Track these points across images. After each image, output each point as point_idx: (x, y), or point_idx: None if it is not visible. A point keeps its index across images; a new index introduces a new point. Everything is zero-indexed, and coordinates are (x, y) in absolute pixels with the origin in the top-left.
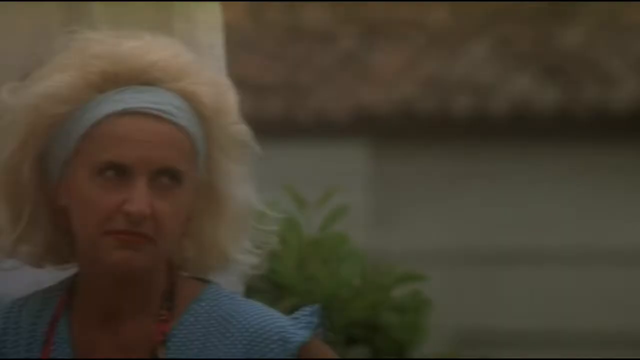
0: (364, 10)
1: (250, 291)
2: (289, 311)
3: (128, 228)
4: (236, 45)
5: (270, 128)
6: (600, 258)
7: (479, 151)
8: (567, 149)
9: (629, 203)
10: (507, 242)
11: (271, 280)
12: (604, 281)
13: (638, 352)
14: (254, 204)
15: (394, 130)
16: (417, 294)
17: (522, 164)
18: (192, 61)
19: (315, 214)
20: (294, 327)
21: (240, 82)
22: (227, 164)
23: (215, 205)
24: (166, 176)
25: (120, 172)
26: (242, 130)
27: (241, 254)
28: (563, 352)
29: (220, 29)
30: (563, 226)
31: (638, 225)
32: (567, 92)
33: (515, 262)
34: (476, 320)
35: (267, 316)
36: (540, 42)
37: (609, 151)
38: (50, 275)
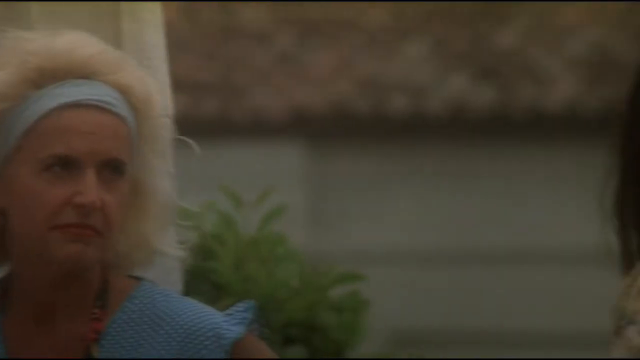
0: (300, 10)
1: (189, 291)
2: None
3: (78, 221)
4: (171, 44)
5: (206, 128)
6: (532, 258)
7: (415, 151)
8: (503, 149)
9: (562, 202)
10: (441, 241)
11: (209, 280)
12: (535, 281)
13: (571, 351)
14: (176, 198)
15: (330, 130)
16: (355, 294)
17: (457, 164)
18: (122, 55)
19: (252, 213)
20: (228, 323)
21: (175, 81)
22: (152, 158)
23: (141, 199)
24: (110, 168)
25: (67, 165)
26: (166, 124)
27: (168, 247)
28: (497, 351)
29: (162, 29)
30: (497, 226)
31: (571, 224)
32: (502, 92)
33: (451, 262)
34: (412, 319)
35: (200, 313)
36: (476, 42)
37: (544, 151)
38: None
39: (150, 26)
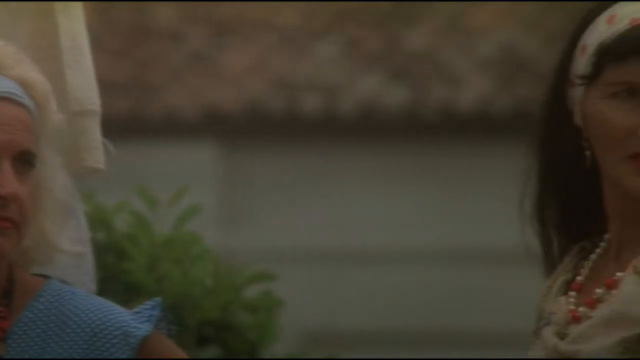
0: (213, 10)
1: (102, 291)
2: None
3: None
4: None
5: (119, 127)
6: (445, 258)
7: (327, 151)
8: (415, 148)
9: (475, 203)
10: (354, 241)
11: (122, 280)
12: (446, 281)
13: (491, 351)
14: (70, 194)
15: (244, 129)
16: (269, 294)
17: (370, 164)
18: (18, 50)
19: (166, 213)
20: (136, 321)
21: None
22: (50, 153)
23: (39, 195)
24: (22, 160)
25: None
26: (61, 120)
27: (66, 244)
28: (412, 351)
29: (84, 27)
30: (410, 226)
31: (483, 225)
32: (414, 92)
33: (363, 262)
34: (326, 319)
35: (108, 311)
36: (388, 43)
37: (456, 150)
38: None
39: (81, 23)
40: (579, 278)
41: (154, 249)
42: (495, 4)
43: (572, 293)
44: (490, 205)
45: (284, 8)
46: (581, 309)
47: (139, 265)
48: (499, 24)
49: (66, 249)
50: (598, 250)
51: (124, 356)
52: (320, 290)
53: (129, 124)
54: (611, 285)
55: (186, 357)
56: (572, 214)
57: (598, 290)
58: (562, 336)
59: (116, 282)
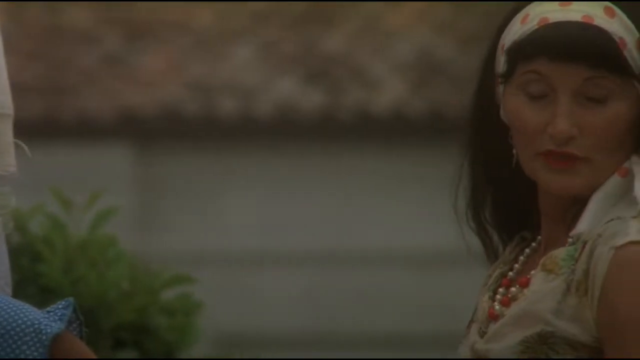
0: (127, 12)
1: (16, 294)
2: None
3: None
4: None
5: (31, 129)
6: (363, 260)
7: (244, 153)
8: (331, 150)
9: (391, 202)
10: (270, 243)
11: (38, 283)
12: (366, 283)
13: (402, 352)
14: None
15: (159, 132)
16: (186, 297)
17: (287, 166)
18: None
19: (81, 216)
20: (48, 319)
21: None
22: None
23: None
24: None
25: None
26: None
27: None
28: (329, 353)
29: None
30: (328, 228)
31: (399, 224)
32: (330, 95)
33: (280, 264)
34: (242, 321)
35: (19, 309)
36: (304, 45)
37: (372, 154)
38: None
39: None
40: (510, 274)
41: (70, 251)
42: (411, 7)
43: (500, 290)
44: (406, 207)
45: (199, 10)
46: (497, 306)
47: (54, 268)
48: (415, 27)
49: None
50: (533, 245)
51: (35, 353)
52: (237, 293)
53: (43, 126)
54: (524, 284)
55: (97, 358)
56: (508, 211)
57: (513, 289)
58: (482, 334)
59: (31, 285)
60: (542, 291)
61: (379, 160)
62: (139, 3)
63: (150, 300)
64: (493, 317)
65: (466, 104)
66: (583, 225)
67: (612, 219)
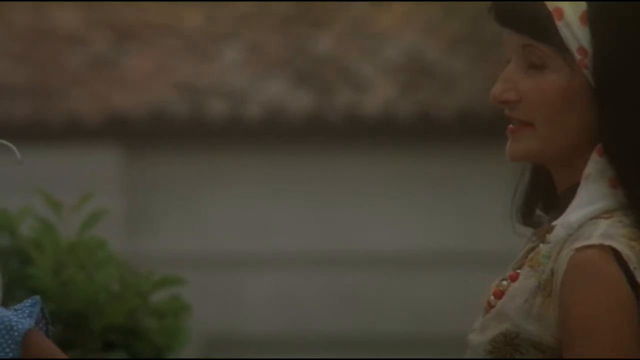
0: (115, 13)
1: (6, 297)
2: None
3: None
4: None
5: (19, 132)
6: (349, 262)
7: (232, 155)
8: (320, 152)
9: (379, 204)
10: (260, 245)
11: (27, 286)
12: (349, 284)
13: (383, 353)
14: None
15: (148, 134)
16: (176, 299)
17: (276, 168)
18: None
19: (71, 218)
20: (18, 316)
21: None
22: None
23: None
24: None
25: None
26: None
27: None
28: (311, 354)
29: None
30: (319, 229)
31: (389, 228)
32: (319, 96)
33: (269, 266)
34: (230, 323)
35: None
36: (293, 47)
37: (361, 155)
38: None
39: None
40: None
41: (59, 254)
42: (399, 8)
43: (504, 282)
44: (394, 208)
45: (187, 11)
46: (491, 299)
47: (43, 271)
48: (403, 29)
49: None
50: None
51: (7, 350)
52: (225, 295)
53: (31, 128)
54: (513, 278)
55: (65, 356)
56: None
57: (504, 282)
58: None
59: (21, 288)
60: (519, 288)
61: (367, 161)
62: (127, 4)
63: (139, 302)
64: (489, 308)
65: (455, 105)
66: (563, 218)
67: (591, 219)
